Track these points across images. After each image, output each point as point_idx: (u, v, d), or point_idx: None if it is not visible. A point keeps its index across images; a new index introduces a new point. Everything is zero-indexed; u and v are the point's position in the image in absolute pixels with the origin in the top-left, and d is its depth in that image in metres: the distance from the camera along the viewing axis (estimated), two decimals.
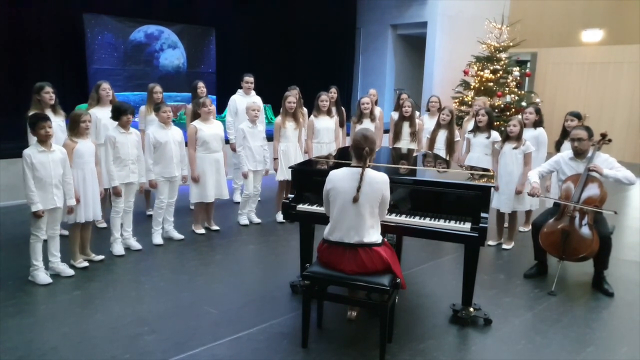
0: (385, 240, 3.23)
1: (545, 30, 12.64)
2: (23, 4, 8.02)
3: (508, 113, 10.17)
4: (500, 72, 10.39)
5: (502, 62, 10.46)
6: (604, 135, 4.60)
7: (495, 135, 5.46)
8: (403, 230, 3.58)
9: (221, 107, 8.79)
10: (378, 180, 3.06)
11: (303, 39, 11.53)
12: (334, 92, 6.82)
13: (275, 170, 5.91)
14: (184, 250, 5.05)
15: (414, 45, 12.42)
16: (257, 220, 5.99)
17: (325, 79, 9.60)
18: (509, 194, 5.14)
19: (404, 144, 6.23)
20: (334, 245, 3.14)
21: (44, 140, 4.01)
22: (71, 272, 4.31)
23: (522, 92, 10.77)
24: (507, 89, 10.40)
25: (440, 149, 5.91)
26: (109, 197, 5.28)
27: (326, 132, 6.11)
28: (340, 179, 3.11)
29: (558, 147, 5.43)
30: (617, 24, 11.74)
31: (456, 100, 10.75)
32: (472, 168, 4.60)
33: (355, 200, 3.02)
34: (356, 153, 3.15)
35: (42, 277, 4.13)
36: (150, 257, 4.84)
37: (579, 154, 4.48)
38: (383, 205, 3.14)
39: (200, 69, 10.39)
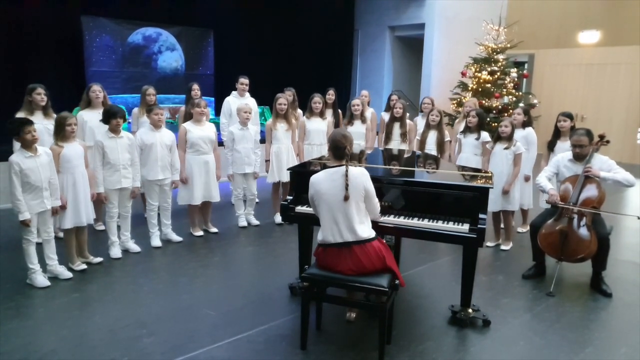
0: (380, 237, 3.25)
1: (542, 31, 12.66)
2: (20, 6, 8.01)
3: (506, 114, 10.18)
4: (498, 74, 10.41)
5: (500, 64, 10.47)
6: (602, 137, 4.61)
7: (485, 135, 5.48)
8: (401, 231, 3.59)
9: (220, 109, 8.78)
10: (356, 175, 3.11)
11: (301, 41, 11.52)
12: (331, 94, 6.83)
13: (267, 171, 5.91)
14: (183, 253, 5.04)
15: (412, 46, 12.43)
16: (255, 222, 5.98)
17: (323, 80, 9.58)
18: (497, 193, 5.16)
19: (395, 144, 6.24)
20: (329, 247, 3.16)
21: (30, 145, 3.94)
22: (69, 274, 4.30)
23: (520, 93, 10.79)
24: (504, 90, 10.42)
25: (430, 149, 5.94)
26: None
27: (317, 134, 6.12)
28: (321, 181, 3.16)
29: (551, 147, 5.44)
30: (614, 25, 11.76)
31: (454, 102, 10.77)
32: (462, 168, 4.61)
33: (347, 198, 3.05)
34: (337, 153, 3.19)
35: (40, 279, 4.12)
36: (149, 260, 4.84)
37: (579, 157, 4.49)
38: (369, 198, 3.16)
39: (199, 71, 10.38)
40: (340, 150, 3.16)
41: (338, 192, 3.09)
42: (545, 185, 4.55)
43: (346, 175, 3.08)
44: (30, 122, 3.98)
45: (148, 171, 5.01)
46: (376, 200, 3.25)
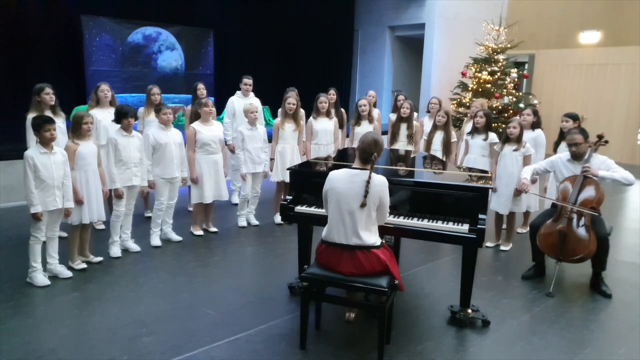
0: (384, 242, 3.24)
1: (542, 31, 12.66)
2: (21, 6, 8.01)
3: (506, 115, 10.19)
4: (498, 74, 10.40)
5: (500, 64, 10.47)
6: (600, 137, 4.62)
7: (493, 136, 5.46)
8: (401, 231, 3.59)
9: (219, 109, 8.78)
10: (377, 183, 3.06)
11: (301, 41, 11.53)
12: (332, 94, 6.83)
13: (271, 170, 5.92)
14: (182, 252, 5.05)
15: (412, 46, 12.43)
16: (255, 222, 5.98)
17: (323, 80, 9.59)
18: (508, 196, 5.14)
19: (401, 145, 6.23)
20: (332, 246, 3.15)
21: (48, 142, 4.02)
22: (69, 273, 4.30)
23: (520, 93, 10.78)
24: (504, 90, 10.42)
25: (437, 150, 5.93)
26: (109, 199, 5.27)
27: (324, 134, 6.12)
28: (338, 179, 3.11)
29: (555, 148, 5.45)
30: (614, 25, 11.76)
31: (454, 102, 10.77)
32: (469, 169, 4.61)
33: (363, 205, 3.01)
34: (363, 156, 3.11)
35: (40, 278, 4.13)
36: (149, 259, 4.84)
37: (577, 157, 4.49)
38: (382, 208, 3.12)
39: (198, 70, 10.38)
40: (366, 155, 3.09)
41: (354, 194, 3.04)
42: (523, 174, 4.61)
43: (368, 183, 3.02)
44: (52, 121, 4.09)
45: (164, 169, 5.04)
46: (387, 210, 3.20)
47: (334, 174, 3.15)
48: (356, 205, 3.03)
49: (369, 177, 3.03)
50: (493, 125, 9.30)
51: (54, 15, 8.42)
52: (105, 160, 4.68)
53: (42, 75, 7.09)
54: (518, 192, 5.09)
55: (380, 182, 3.08)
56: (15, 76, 7.94)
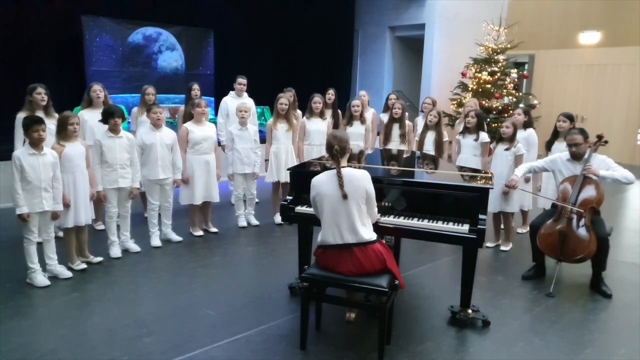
0: (381, 240, 3.24)
1: (543, 32, 12.66)
2: (21, 6, 8.01)
3: (506, 115, 10.18)
4: (498, 74, 10.40)
5: (500, 64, 10.46)
6: (600, 137, 4.62)
7: (484, 136, 5.46)
8: (401, 232, 3.59)
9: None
10: (358, 177, 3.11)
11: (301, 41, 11.53)
12: (331, 95, 6.81)
13: (266, 171, 5.92)
14: (182, 252, 5.05)
15: (412, 47, 12.43)
16: (255, 222, 5.99)
17: (323, 81, 9.58)
18: (496, 194, 5.13)
19: (394, 145, 6.23)
20: (329, 248, 3.16)
21: (36, 143, 3.98)
22: (69, 274, 4.30)
23: (520, 94, 10.78)
24: (504, 90, 10.41)
25: (429, 150, 5.93)
26: (99, 200, 5.26)
27: (317, 134, 6.12)
28: (322, 183, 3.16)
29: (549, 147, 5.44)
30: (614, 26, 11.77)
31: (454, 102, 10.77)
32: (461, 169, 4.61)
33: (345, 196, 3.05)
34: (329, 153, 3.21)
35: (40, 279, 4.13)
36: (149, 259, 4.84)
37: (576, 157, 4.49)
38: (370, 201, 3.16)
39: (199, 71, 10.37)
40: (330, 150, 3.17)
41: (338, 192, 3.09)
42: (516, 170, 4.65)
43: (339, 174, 3.08)
44: (41, 122, 4.04)
45: (149, 171, 5.01)
46: (375, 203, 3.24)
47: (316, 180, 3.20)
48: (344, 201, 3.06)
49: (338, 170, 3.09)
50: (493, 125, 9.34)
51: (54, 16, 8.42)
52: (92, 162, 4.66)
53: (42, 76, 7.08)
54: (507, 190, 5.06)
55: (362, 176, 3.12)
56: (15, 76, 7.92)
